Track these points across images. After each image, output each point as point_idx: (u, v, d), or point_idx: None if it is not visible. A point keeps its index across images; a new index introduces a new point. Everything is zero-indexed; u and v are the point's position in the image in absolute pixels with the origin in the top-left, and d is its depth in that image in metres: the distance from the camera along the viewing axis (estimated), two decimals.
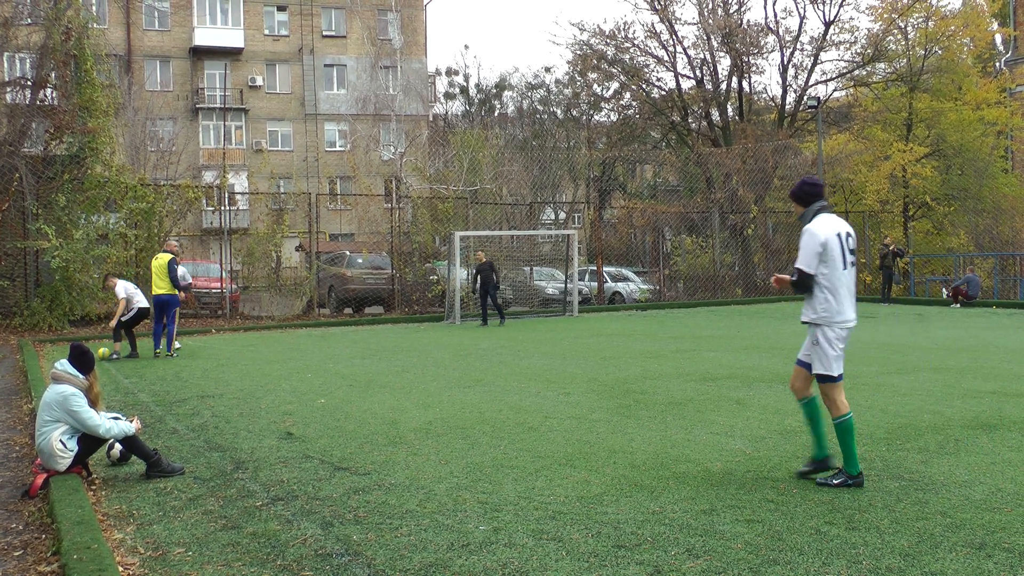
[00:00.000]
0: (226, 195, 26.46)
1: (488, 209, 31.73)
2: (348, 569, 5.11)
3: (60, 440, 7.00)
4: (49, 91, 23.38)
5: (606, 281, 31.75)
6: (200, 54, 48.46)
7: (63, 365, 7.26)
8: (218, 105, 48.46)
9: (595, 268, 31.51)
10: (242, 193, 32.42)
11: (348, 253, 29.10)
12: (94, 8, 40.76)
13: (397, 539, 5.59)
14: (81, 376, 7.24)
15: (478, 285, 23.97)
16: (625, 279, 32.92)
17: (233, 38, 48.71)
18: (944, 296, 30.44)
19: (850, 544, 5.38)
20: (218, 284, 25.20)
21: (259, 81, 49.51)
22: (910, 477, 6.86)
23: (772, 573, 4.93)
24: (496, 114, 55.97)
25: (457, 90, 58.70)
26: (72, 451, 7.04)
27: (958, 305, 27.78)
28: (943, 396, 10.55)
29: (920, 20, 36.65)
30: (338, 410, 10.27)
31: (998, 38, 41.58)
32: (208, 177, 39.89)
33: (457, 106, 58.98)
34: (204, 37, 48.03)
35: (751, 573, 4.93)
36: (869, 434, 8.43)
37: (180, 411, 10.42)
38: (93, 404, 7.20)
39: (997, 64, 42.05)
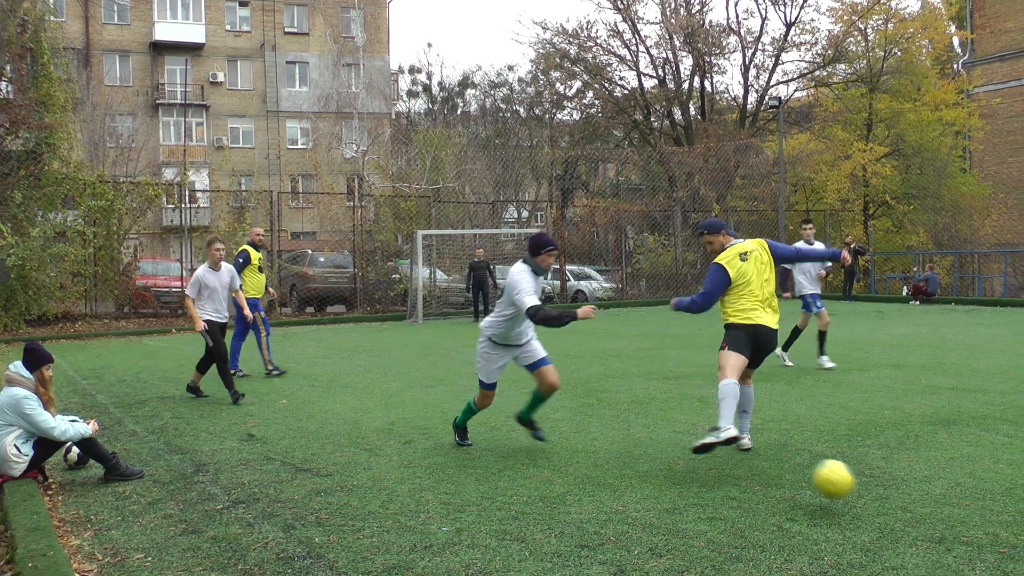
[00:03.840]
0: (187, 192, 26.22)
1: (451, 207, 31.69)
2: (310, 572, 5.06)
3: (14, 445, 6.86)
4: (4, 85, 23.02)
5: (568, 279, 31.78)
6: (160, 49, 47.96)
7: (16, 367, 7.08)
8: (179, 101, 48.01)
9: (557, 267, 31.54)
10: (203, 191, 32.11)
11: (310, 252, 28.94)
12: (51, 0, 40.21)
13: (359, 541, 5.54)
14: (30, 376, 7.06)
15: (472, 283, 23.96)
16: (588, 277, 32.99)
17: (194, 33, 48.24)
18: (904, 293, 30.79)
19: (812, 540, 5.41)
20: (178, 283, 24.94)
21: (220, 77, 49.08)
22: (871, 473, 6.91)
23: (735, 570, 4.94)
24: (459, 112, 55.89)
25: (420, 88, 58.58)
26: (27, 456, 6.90)
27: (917, 302, 28.09)
28: (903, 392, 10.65)
29: (880, 22, 37.05)
30: (300, 411, 10.19)
31: (956, 41, 42.12)
32: (168, 174, 39.51)
33: (420, 104, 58.88)
34: (164, 32, 47.52)
35: (714, 571, 4.94)
36: (831, 431, 8.49)
37: (139, 413, 10.30)
38: (45, 406, 7.03)
39: (955, 66, 42.59)
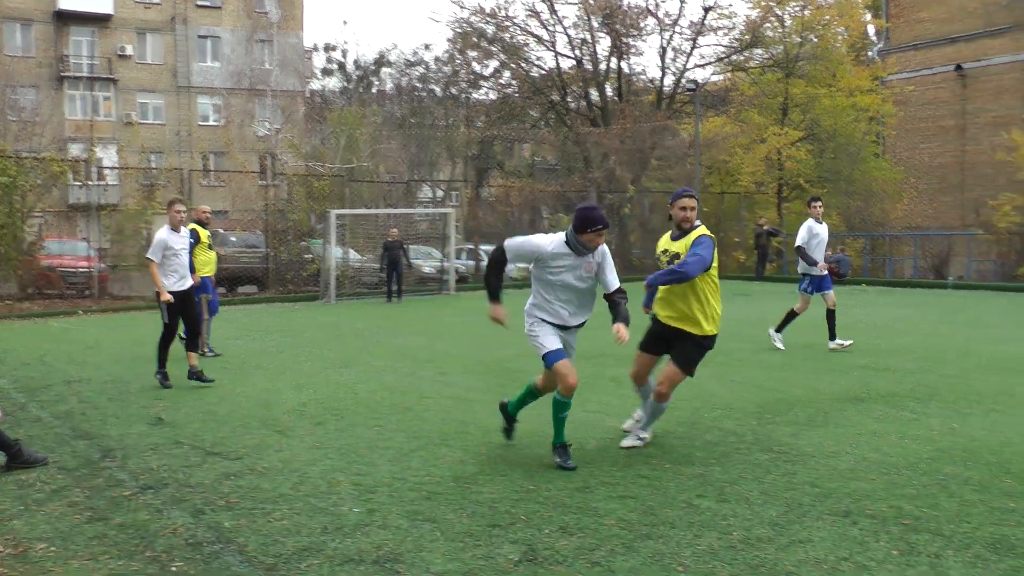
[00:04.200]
0: (94, 169, 25.53)
1: (365, 187, 31.37)
2: (220, 557, 4.97)
3: None
4: None
5: (483, 260, 31.77)
6: (65, 19, 46.34)
7: None
8: (85, 74, 46.59)
9: (472, 247, 31.50)
10: (111, 168, 31.34)
11: (221, 231, 28.42)
12: None
13: (270, 524, 5.47)
14: None
15: (385, 263, 23.81)
16: None
17: (101, 4, 46.70)
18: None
19: (721, 516, 5.49)
20: (85, 263, 24.28)
21: (129, 50, 47.71)
22: (779, 449, 7.05)
23: (645, 548, 4.99)
24: (374, 91, 55.26)
25: (335, 66, 57.71)
26: None
27: None
28: (814, 371, 10.88)
29: (797, 8, 37.59)
30: (210, 393, 10.01)
31: (871, 29, 43.00)
32: (75, 150, 38.40)
33: (334, 82, 58.01)
34: (69, 0, 45.93)
35: (624, 549, 4.98)
36: (741, 408, 8.63)
37: (44, 398, 9.99)
38: None
39: (870, 53, 43.51)
